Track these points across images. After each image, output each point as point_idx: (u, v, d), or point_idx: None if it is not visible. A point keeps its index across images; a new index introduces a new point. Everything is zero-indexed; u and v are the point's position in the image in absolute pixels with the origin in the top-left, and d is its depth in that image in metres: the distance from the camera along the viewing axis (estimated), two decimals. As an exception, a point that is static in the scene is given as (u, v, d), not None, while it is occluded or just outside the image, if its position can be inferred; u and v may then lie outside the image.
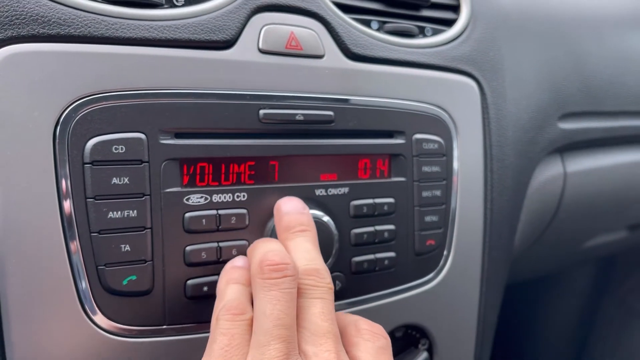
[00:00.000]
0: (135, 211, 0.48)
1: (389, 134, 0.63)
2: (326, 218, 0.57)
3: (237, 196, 0.53)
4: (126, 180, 0.47)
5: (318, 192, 0.57)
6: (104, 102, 0.47)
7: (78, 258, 0.46)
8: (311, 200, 0.57)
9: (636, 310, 1.52)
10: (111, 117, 0.47)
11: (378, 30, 0.65)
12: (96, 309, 0.47)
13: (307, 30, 0.58)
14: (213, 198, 0.51)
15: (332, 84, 0.59)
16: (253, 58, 0.55)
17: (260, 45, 0.55)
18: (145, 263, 0.48)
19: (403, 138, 0.63)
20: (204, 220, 0.51)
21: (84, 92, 0.46)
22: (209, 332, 0.45)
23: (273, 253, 0.45)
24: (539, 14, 0.88)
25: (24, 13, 0.44)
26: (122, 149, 0.47)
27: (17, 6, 0.44)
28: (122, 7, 0.49)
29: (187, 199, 0.50)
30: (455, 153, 0.68)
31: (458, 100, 0.69)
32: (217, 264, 0.52)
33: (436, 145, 0.65)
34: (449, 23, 0.72)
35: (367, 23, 0.64)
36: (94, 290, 0.47)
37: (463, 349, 0.74)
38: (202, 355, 0.44)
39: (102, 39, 0.48)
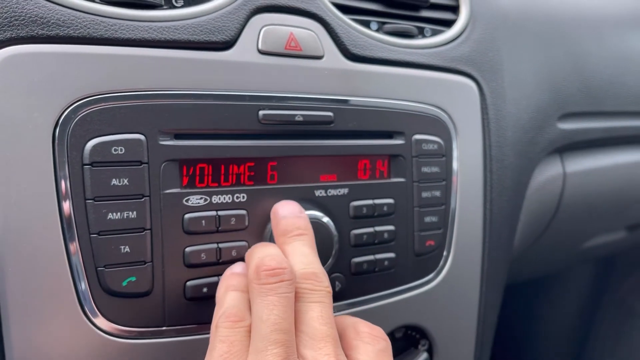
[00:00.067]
0: (134, 212, 0.48)
1: (389, 135, 0.63)
2: (326, 219, 0.57)
3: (237, 197, 0.53)
4: (125, 181, 0.47)
5: (318, 193, 0.57)
6: (104, 104, 0.47)
7: (77, 259, 0.46)
8: (311, 201, 0.57)
9: (636, 310, 1.52)
10: (110, 118, 0.47)
11: (377, 31, 0.65)
12: (96, 310, 0.47)
13: (306, 31, 0.58)
14: (212, 199, 0.51)
15: (332, 84, 0.59)
16: (252, 59, 0.55)
17: (260, 46, 0.55)
18: (144, 264, 0.48)
19: (402, 139, 0.63)
20: (203, 222, 0.51)
21: (83, 93, 0.46)
22: (208, 333, 0.45)
23: (270, 258, 0.45)
24: (539, 14, 0.88)
25: (23, 14, 0.44)
26: (121, 150, 0.47)
27: (16, 7, 0.44)
28: (121, 8, 0.49)
29: (187, 200, 0.50)
30: (455, 153, 0.68)
31: (457, 101, 0.69)
32: (216, 265, 0.52)
33: (435, 146, 0.65)
34: (448, 24, 0.72)
35: (366, 24, 0.64)
36: (94, 291, 0.47)
37: (463, 350, 0.74)
38: (202, 356, 0.44)
39: (101, 40, 0.48)
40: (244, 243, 0.53)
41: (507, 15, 0.81)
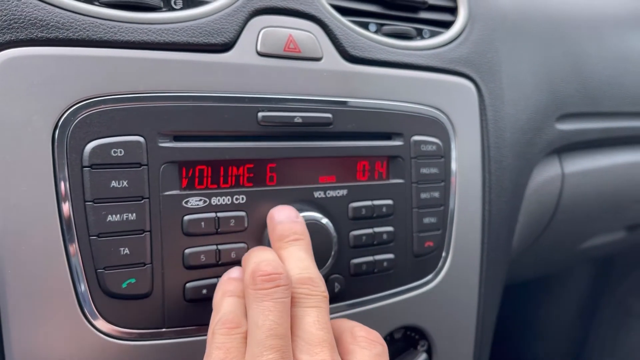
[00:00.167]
0: (134, 214, 0.48)
1: (387, 136, 0.63)
2: (325, 220, 0.57)
3: (236, 199, 0.53)
4: (125, 183, 0.47)
5: (317, 194, 0.57)
6: (103, 106, 0.47)
7: (77, 261, 0.46)
8: (310, 203, 0.57)
9: (635, 310, 1.52)
10: (110, 121, 0.47)
11: (376, 32, 0.65)
12: (95, 312, 0.47)
13: (305, 33, 0.58)
14: (212, 201, 0.52)
15: (331, 86, 0.59)
16: (251, 61, 0.55)
17: (259, 48, 0.55)
18: (144, 266, 0.49)
19: (401, 140, 0.63)
20: (202, 223, 0.51)
21: (82, 95, 0.46)
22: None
23: (265, 263, 0.45)
24: (537, 14, 0.88)
25: (22, 17, 0.45)
26: (120, 152, 0.47)
27: (15, 10, 0.44)
28: (120, 10, 0.49)
29: (186, 202, 0.50)
30: (454, 154, 0.68)
31: (456, 102, 0.69)
32: (216, 266, 0.52)
33: (434, 147, 0.66)
34: (447, 25, 0.72)
35: (365, 25, 0.65)
36: (94, 293, 0.47)
37: (462, 350, 0.75)
38: (201, 358, 0.44)
39: (101, 42, 0.48)
40: (243, 245, 0.53)
41: (506, 16, 0.81)
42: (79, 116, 0.46)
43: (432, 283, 0.67)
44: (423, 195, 0.65)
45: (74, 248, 0.46)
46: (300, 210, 0.55)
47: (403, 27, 0.67)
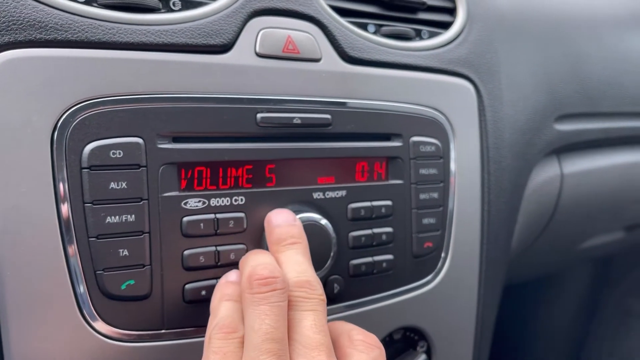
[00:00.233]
0: (133, 216, 0.48)
1: (386, 137, 0.63)
2: (324, 221, 0.57)
3: (235, 200, 0.53)
4: (124, 184, 0.47)
5: (316, 195, 0.57)
6: (102, 107, 0.47)
7: (76, 263, 0.46)
8: (309, 204, 0.57)
9: (634, 311, 1.53)
10: (109, 122, 0.47)
11: (375, 33, 0.65)
12: (94, 313, 0.47)
13: (304, 34, 0.58)
14: (211, 202, 0.52)
15: (330, 87, 0.59)
16: (250, 62, 0.55)
17: (258, 49, 0.55)
18: (143, 267, 0.49)
19: (400, 141, 0.63)
20: (201, 224, 0.51)
21: (81, 97, 0.46)
22: (207, 336, 0.45)
23: (262, 267, 0.45)
24: (536, 15, 0.88)
25: (21, 18, 0.45)
26: (119, 153, 0.47)
27: (14, 12, 0.44)
28: (119, 12, 0.49)
29: (185, 203, 0.50)
30: (453, 155, 0.68)
31: (455, 103, 0.69)
32: (215, 268, 0.52)
33: (433, 148, 0.66)
34: (446, 26, 0.72)
35: (363, 26, 0.65)
36: (92, 295, 0.47)
37: (461, 351, 0.75)
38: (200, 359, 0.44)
39: (100, 43, 0.48)
40: (242, 246, 0.53)
41: (505, 16, 0.81)
42: (78, 117, 0.46)
43: (431, 284, 0.67)
44: (422, 196, 0.65)
45: (73, 249, 0.46)
46: (299, 211, 0.55)
47: (402, 27, 0.67)
